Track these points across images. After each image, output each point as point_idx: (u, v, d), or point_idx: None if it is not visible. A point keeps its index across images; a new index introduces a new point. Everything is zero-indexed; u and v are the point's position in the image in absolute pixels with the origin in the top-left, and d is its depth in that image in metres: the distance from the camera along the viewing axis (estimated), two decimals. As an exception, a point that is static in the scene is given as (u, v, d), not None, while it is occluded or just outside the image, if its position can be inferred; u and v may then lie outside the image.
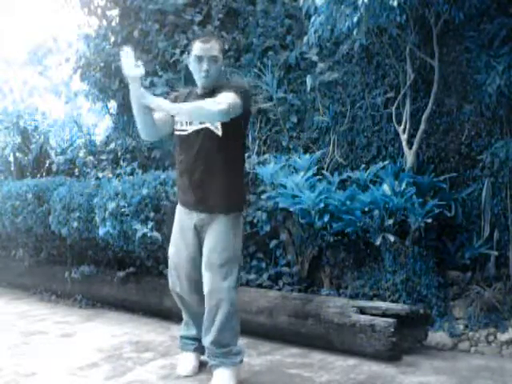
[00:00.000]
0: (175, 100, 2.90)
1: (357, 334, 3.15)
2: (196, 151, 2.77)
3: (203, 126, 2.74)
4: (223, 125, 2.70)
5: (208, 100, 2.62)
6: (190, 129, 2.78)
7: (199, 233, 2.85)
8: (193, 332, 3.01)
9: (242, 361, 2.85)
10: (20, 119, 6.44)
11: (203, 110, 2.60)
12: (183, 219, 2.91)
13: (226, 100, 2.59)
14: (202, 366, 3.01)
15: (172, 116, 2.85)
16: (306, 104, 4.54)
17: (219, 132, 2.72)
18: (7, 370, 3.04)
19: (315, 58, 4.38)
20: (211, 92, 2.74)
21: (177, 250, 2.92)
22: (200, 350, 2.99)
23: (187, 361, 3.00)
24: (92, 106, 6.26)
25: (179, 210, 2.96)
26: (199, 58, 2.74)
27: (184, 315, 3.07)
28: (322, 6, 3.48)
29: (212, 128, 2.72)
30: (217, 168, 2.76)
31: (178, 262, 2.91)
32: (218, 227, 2.78)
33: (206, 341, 2.81)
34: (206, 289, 2.76)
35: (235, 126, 2.74)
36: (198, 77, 2.79)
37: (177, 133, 2.86)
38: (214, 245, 2.77)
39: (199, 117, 2.70)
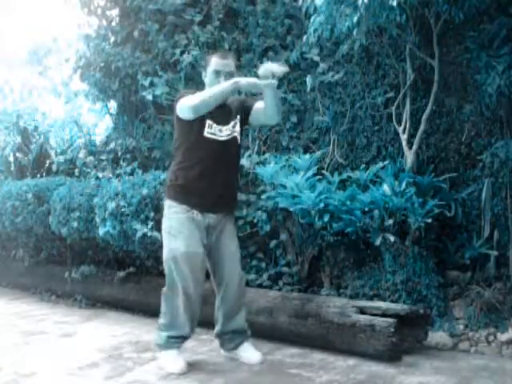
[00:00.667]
0: None
1: (357, 334, 3.15)
2: (222, 156, 3.00)
3: (233, 134, 3.05)
4: (240, 135, 3.11)
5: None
6: (225, 135, 3.02)
7: (210, 233, 3.06)
8: (185, 330, 3.05)
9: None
10: (20, 119, 6.44)
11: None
12: (195, 221, 2.98)
13: None
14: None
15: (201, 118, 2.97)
16: (306, 104, 4.54)
17: (239, 140, 3.11)
18: (7, 370, 3.04)
19: (316, 59, 4.37)
20: (225, 106, 3.03)
21: (194, 252, 2.94)
22: (181, 347, 3.12)
23: (178, 359, 3.04)
24: (92, 106, 6.26)
25: (184, 211, 2.97)
26: (217, 73, 2.98)
27: (173, 316, 3.04)
28: (322, 6, 3.48)
29: (237, 135, 3.08)
30: (233, 172, 3.12)
31: (195, 264, 2.94)
32: (231, 225, 3.16)
33: (231, 327, 3.17)
34: (234, 281, 3.11)
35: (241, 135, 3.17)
36: None
37: (208, 135, 2.98)
38: (232, 241, 3.15)
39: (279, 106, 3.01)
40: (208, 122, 2.98)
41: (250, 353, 3.16)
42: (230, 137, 3.04)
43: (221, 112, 3.01)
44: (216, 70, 2.99)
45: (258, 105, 3.08)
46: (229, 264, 3.11)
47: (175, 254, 2.93)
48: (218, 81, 2.96)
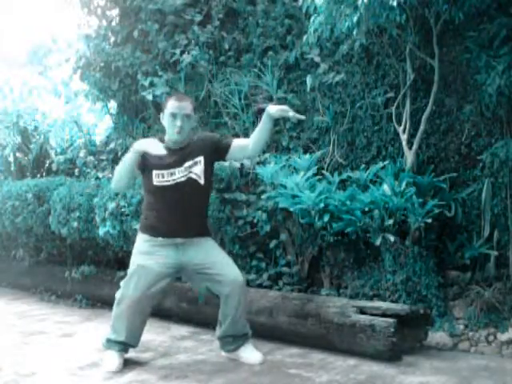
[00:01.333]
0: (146, 156, 3.07)
1: (357, 334, 3.15)
2: (175, 200, 3.03)
3: (188, 176, 3.04)
4: (205, 172, 3.07)
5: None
6: (178, 177, 3.03)
7: (183, 250, 3.09)
8: (121, 338, 3.10)
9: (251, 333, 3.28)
10: (20, 119, 6.44)
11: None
12: (159, 244, 3.10)
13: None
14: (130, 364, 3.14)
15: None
16: (306, 104, 4.54)
17: (201, 181, 3.06)
18: (7, 370, 3.04)
19: (316, 59, 4.38)
20: (184, 147, 3.07)
21: (147, 266, 3.09)
22: (124, 349, 3.14)
23: (114, 358, 3.08)
24: (92, 106, 6.26)
25: (148, 238, 3.13)
26: (173, 116, 3.01)
27: (121, 322, 3.10)
28: (322, 6, 3.48)
29: (196, 178, 3.05)
30: (193, 211, 3.08)
31: (145, 276, 3.07)
32: (207, 241, 3.17)
33: (232, 332, 3.18)
34: (236, 284, 3.07)
35: (211, 170, 3.18)
36: (171, 132, 3.04)
37: (158, 184, 3.06)
38: (216, 250, 3.18)
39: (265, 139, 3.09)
40: (155, 172, 3.06)
41: (249, 353, 3.17)
42: (185, 178, 3.03)
43: (173, 155, 3.04)
44: (172, 112, 3.00)
45: (239, 142, 3.13)
46: (220, 268, 3.07)
47: (132, 266, 3.12)
48: (175, 123, 2.99)
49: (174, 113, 3.00)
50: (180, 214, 3.05)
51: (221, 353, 3.29)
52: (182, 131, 3.01)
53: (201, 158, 3.06)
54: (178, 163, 3.04)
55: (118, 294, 3.13)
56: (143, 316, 3.12)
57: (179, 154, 3.05)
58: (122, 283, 3.15)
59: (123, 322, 3.08)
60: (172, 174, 3.04)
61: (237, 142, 3.13)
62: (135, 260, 3.13)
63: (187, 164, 3.04)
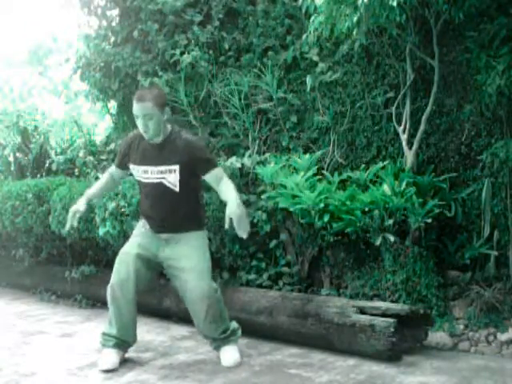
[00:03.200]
0: (130, 147, 3.16)
1: (357, 333, 3.15)
2: (157, 198, 3.09)
3: (160, 180, 3.05)
4: (181, 181, 3.02)
5: (229, 185, 2.99)
6: (150, 178, 3.08)
7: (167, 244, 3.15)
8: (113, 331, 3.12)
9: (238, 336, 3.26)
10: (20, 119, 6.44)
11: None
12: (146, 230, 3.20)
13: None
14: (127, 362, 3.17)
15: (125, 169, 3.27)
16: (306, 104, 4.54)
17: (176, 189, 3.04)
18: (7, 370, 3.04)
19: (316, 58, 4.38)
20: (162, 145, 3.05)
21: (126, 252, 3.20)
22: (120, 347, 3.13)
23: (109, 355, 3.09)
24: (92, 106, 6.26)
25: (140, 223, 3.27)
26: (136, 117, 2.99)
27: (111, 313, 3.14)
28: (322, 6, 3.48)
29: (168, 185, 3.04)
30: (176, 207, 3.08)
31: (123, 262, 3.15)
32: (192, 240, 3.13)
33: (207, 335, 3.19)
34: (196, 294, 3.06)
35: (194, 178, 3.09)
36: (141, 132, 3.03)
37: (137, 178, 3.17)
38: (194, 254, 3.12)
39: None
40: (131, 165, 3.16)
41: (226, 355, 3.14)
42: (158, 180, 3.05)
43: (151, 152, 3.06)
44: (134, 114, 3.00)
45: (214, 180, 3.05)
46: (188, 277, 3.03)
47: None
48: (139, 124, 2.99)
49: (136, 115, 2.99)
50: (161, 211, 3.10)
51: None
52: (148, 130, 2.99)
53: (176, 167, 3.02)
54: (153, 162, 3.05)
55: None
56: (129, 305, 3.09)
57: (156, 153, 3.05)
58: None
59: (112, 313, 3.11)
60: (145, 172, 3.08)
61: (215, 173, 3.04)
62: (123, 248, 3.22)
63: (161, 168, 3.03)
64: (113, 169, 3.37)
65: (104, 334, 3.16)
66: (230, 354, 3.13)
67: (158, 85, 4.88)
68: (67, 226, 3.25)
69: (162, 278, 4.33)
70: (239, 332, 3.27)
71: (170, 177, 3.02)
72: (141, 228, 3.23)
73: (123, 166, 3.26)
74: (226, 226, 2.80)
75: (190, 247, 3.10)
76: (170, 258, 3.12)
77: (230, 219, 2.79)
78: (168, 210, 3.09)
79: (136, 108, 2.97)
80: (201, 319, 3.07)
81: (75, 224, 3.27)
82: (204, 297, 3.01)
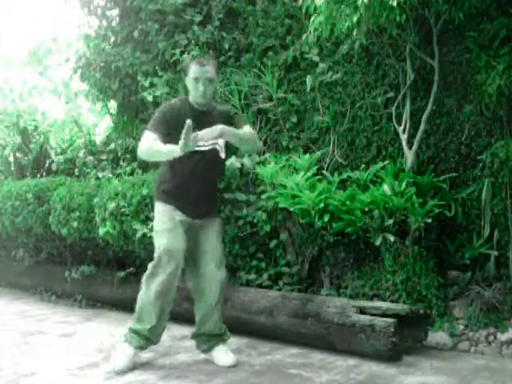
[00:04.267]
0: (178, 112, 3.04)
1: (357, 334, 3.15)
2: (202, 167, 3.06)
3: (213, 146, 3.07)
4: (224, 146, 3.11)
5: (251, 131, 3.12)
6: (201, 147, 2.98)
7: (190, 229, 3.10)
8: (148, 326, 3.03)
9: (229, 336, 3.25)
10: (20, 119, 6.45)
11: (255, 141, 3.12)
12: (177, 218, 3.08)
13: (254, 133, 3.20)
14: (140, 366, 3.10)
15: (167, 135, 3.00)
16: (306, 104, 4.54)
17: (223, 154, 3.13)
18: (7, 370, 3.04)
19: (316, 58, 4.38)
20: (207, 112, 3.08)
21: (177, 248, 3.04)
22: (143, 348, 3.09)
23: (126, 357, 3.04)
24: (92, 106, 6.27)
25: (168, 209, 3.10)
26: (196, 80, 3.02)
27: (141, 308, 3.05)
28: (322, 6, 3.48)
29: (219, 150, 3.10)
30: (213, 183, 3.21)
31: (176, 260, 3.02)
32: (213, 226, 3.18)
33: (204, 330, 3.16)
34: (210, 276, 3.10)
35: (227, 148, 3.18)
36: (195, 95, 3.06)
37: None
38: (213, 237, 3.18)
39: (250, 145, 3.10)
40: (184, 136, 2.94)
41: (222, 354, 3.12)
42: (210, 147, 3.05)
43: (203, 120, 2.98)
44: (195, 77, 3.01)
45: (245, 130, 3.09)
46: (209, 260, 3.09)
47: (160, 250, 3.02)
48: (197, 87, 3.01)
49: (197, 77, 3.01)
50: (199, 186, 3.08)
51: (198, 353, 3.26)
52: (205, 95, 3.03)
53: None
54: (205, 127, 2.91)
55: (145, 280, 3.05)
56: (172, 301, 3.08)
57: (205, 119, 3.01)
58: (149, 267, 3.05)
59: (152, 309, 3.00)
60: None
61: (246, 129, 3.10)
62: (159, 240, 3.05)
63: None
64: (155, 137, 2.97)
65: (132, 330, 3.06)
66: (226, 354, 3.12)
67: (158, 85, 4.89)
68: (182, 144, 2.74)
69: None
70: (228, 333, 3.26)
71: (220, 140, 3.05)
72: (174, 215, 3.07)
73: (167, 133, 2.98)
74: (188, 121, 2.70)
75: (213, 232, 3.16)
76: (192, 241, 3.11)
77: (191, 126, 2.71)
78: (206, 183, 3.11)
79: (199, 71, 3.00)
80: (211, 306, 3.09)
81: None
82: (220, 282, 3.08)
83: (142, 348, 3.08)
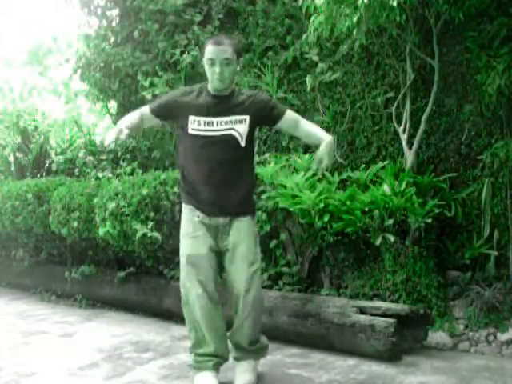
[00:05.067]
0: (188, 96, 2.78)
1: (357, 334, 3.15)
2: (219, 156, 2.69)
3: (229, 132, 2.69)
4: (248, 136, 2.72)
5: (311, 124, 2.86)
6: (216, 129, 2.69)
7: (221, 235, 2.77)
8: (210, 349, 2.73)
9: (264, 355, 2.93)
10: (20, 119, 6.45)
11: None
12: (200, 222, 2.75)
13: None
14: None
15: (164, 118, 2.87)
16: (306, 104, 4.54)
17: (242, 143, 2.71)
18: (7, 370, 3.04)
19: (316, 58, 4.38)
20: (230, 96, 2.74)
21: (196, 254, 2.74)
22: (219, 366, 2.78)
23: (208, 380, 2.69)
24: (92, 106, 6.27)
25: (189, 212, 2.78)
26: (211, 61, 2.67)
27: (196, 332, 2.74)
28: (322, 6, 3.48)
29: (237, 136, 2.70)
30: (235, 174, 2.73)
31: (199, 267, 2.72)
32: (244, 227, 2.76)
33: (232, 339, 2.80)
34: (240, 285, 2.72)
35: (253, 134, 2.81)
36: (211, 79, 2.71)
37: (193, 132, 2.71)
38: (243, 242, 2.76)
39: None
40: (191, 117, 2.72)
41: (239, 372, 2.78)
42: (224, 133, 2.68)
43: (216, 102, 2.72)
44: (209, 58, 2.67)
45: (292, 118, 2.81)
46: (235, 267, 2.71)
47: (183, 259, 2.73)
48: (213, 70, 2.66)
49: (212, 58, 2.66)
50: (222, 175, 2.69)
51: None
52: (223, 77, 2.66)
53: (246, 117, 2.71)
54: (221, 113, 2.70)
55: (182, 295, 2.75)
56: (219, 311, 2.73)
57: (224, 104, 2.72)
58: (181, 279, 2.75)
59: (204, 328, 2.69)
60: (210, 124, 2.69)
61: (289, 117, 2.79)
62: (180, 248, 2.77)
63: (231, 118, 2.70)
64: (146, 112, 2.83)
65: (198, 355, 2.74)
66: (243, 374, 2.76)
67: (158, 85, 4.88)
68: (108, 141, 2.64)
69: (162, 277, 4.34)
70: (267, 350, 2.95)
71: (240, 127, 2.69)
72: (193, 218, 2.75)
73: (163, 114, 2.83)
74: (315, 166, 2.71)
75: (241, 234, 2.73)
76: (224, 248, 2.76)
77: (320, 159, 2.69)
78: (229, 174, 2.69)
79: (213, 51, 2.65)
80: (239, 316, 2.72)
81: (123, 137, 2.65)
82: (250, 287, 2.68)
83: (219, 366, 2.78)
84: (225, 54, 2.66)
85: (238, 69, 2.80)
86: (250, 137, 2.76)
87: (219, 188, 2.71)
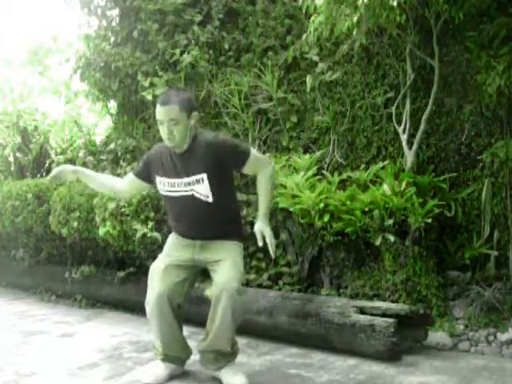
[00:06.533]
0: (159, 156, 2.86)
1: (357, 334, 3.15)
2: (190, 210, 2.79)
3: (190, 193, 2.75)
4: (213, 190, 2.72)
5: (266, 167, 2.83)
6: (178, 190, 2.78)
7: (202, 249, 2.87)
8: (159, 346, 2.88)
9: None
10: (20, 119, 6.44)
11: (273, 175, 2.88)
12: (178, 239, 2.94)
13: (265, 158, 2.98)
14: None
15: (145, 180, 2.97)
16: (306, 104, 4.54)
17: (210, 199, 2.74)
18: (7, 370, 3.04)
19: (316, 58, 4.38)
20: (188, 152, 2.75)
21: (155, 266, 2.92)
22: (170, 361, 2.88)
23: (155, 369, 2.87)
24: (92, 106, 6.26)
25: (173, 234, 3.00)
26: (160, 121, 2.71)
27: (153, 329, 2.89)
28: (322, 6, 3.48)
29: (200, 197, 2.74)
30: (210, 218, 2.80)
31: (153, 276, 2.89)
32: (229, 247, 2.85)
33: (214, 346, 2.79)
34: (222, 294, 2.73)
35: (227, 178, 2.82)
36: (164, 139, 2.74)
37: (163, 192, 2.86)
38: (229, 257, 2.83)
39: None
40: (157, 178, 2.84)
41: (232, 377, 2.77)
42: (186, 194, 2.74)
43: (175, 163, 2.77)
44: (157, 118, 2.71)
45: (251, 172, 2.88)
46: (223, 271, 2.72)
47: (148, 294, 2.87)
48: (163, 130, 2.69)
49: (159, 119, 2.69)
50: (197, 224, 2.81)
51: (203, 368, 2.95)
52: (172, 137, 2.67)
53: (203, 176, 2.71)
54: (179, 174, 2.76)
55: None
56: (167, 320, 2.79)
57: (181, 163, 2.76)
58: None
59: (154, 329, 2.84)
60: (173, 185, 2.79)
61: (249, 170, 2.83)
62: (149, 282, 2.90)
63: (188, 180, 2.73)
64: (130, 177, 3.02)
65: (153, 347, 2.93)
66: (236, 376, 2.77)
67: (158, 85, 4.88)
68: (48, 177, 2.97)
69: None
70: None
71: (200, 188, 2.72)
72: (172, 241, 2.96)
73: (144, 176, 2.94)
74: (260, 242, 2.75)
75: (225, 248, 2.82)
76: (206, 257, 2.83)
77: (263, 236, 2.78)
78: (203, 222, 2.80)
79: (159, 112, 2.67)
80: (220, 321, 2.68)
81: (51, 177, 2.94)
82: (229, 288, 2.65)
83: (170, 361, 2.90)
84: (171, 114, 2.65)
85: (192, 123, 2.73)
86: (217, 187, 2.74)
87: (200, 233, 2.84)
